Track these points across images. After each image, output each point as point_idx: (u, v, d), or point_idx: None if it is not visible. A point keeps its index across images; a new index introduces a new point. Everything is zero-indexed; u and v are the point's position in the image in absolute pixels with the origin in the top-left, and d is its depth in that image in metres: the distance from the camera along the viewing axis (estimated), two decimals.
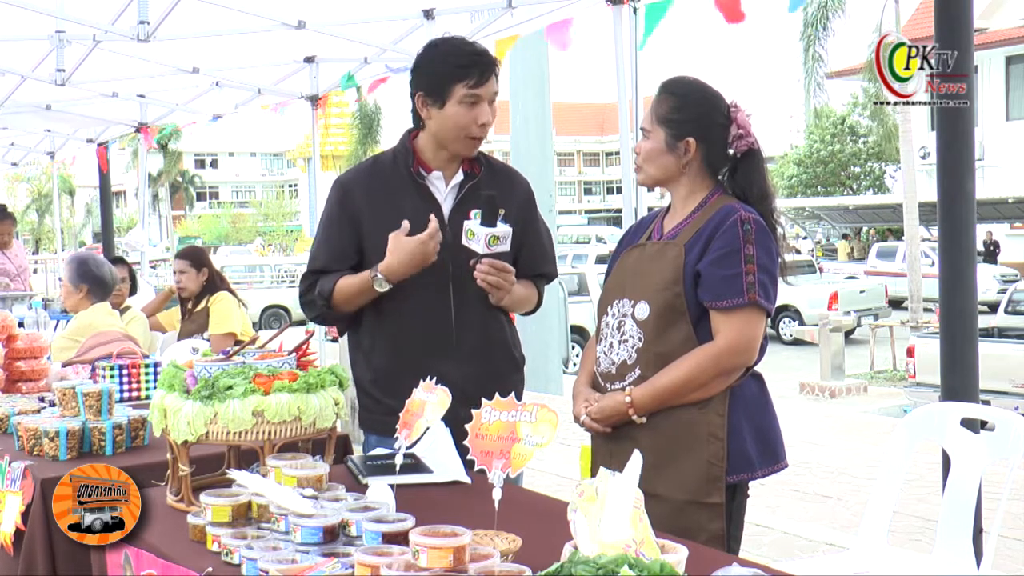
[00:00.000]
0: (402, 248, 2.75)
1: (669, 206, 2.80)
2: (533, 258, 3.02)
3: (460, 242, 2.82)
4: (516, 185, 3.06)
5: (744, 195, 2.70)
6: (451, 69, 2.81)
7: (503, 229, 2.74)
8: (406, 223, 2.76)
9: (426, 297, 2.80)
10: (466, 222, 2.76)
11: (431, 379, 2.43)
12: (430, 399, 2.38)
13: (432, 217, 2.77)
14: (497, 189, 2.94)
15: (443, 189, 2.93)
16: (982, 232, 26.97)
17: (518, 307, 3.00)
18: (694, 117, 2.68)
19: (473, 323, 2.86)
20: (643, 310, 2.63)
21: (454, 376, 2.56)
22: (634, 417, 2.61)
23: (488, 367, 2.90)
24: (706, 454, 2.55)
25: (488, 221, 2.74)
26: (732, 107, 2.70)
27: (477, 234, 2.72)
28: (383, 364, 2.88)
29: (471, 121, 2.83)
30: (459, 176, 2.94)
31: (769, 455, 2.64)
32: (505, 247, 2.76)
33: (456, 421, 2.52)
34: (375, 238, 2.88)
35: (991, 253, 27.04)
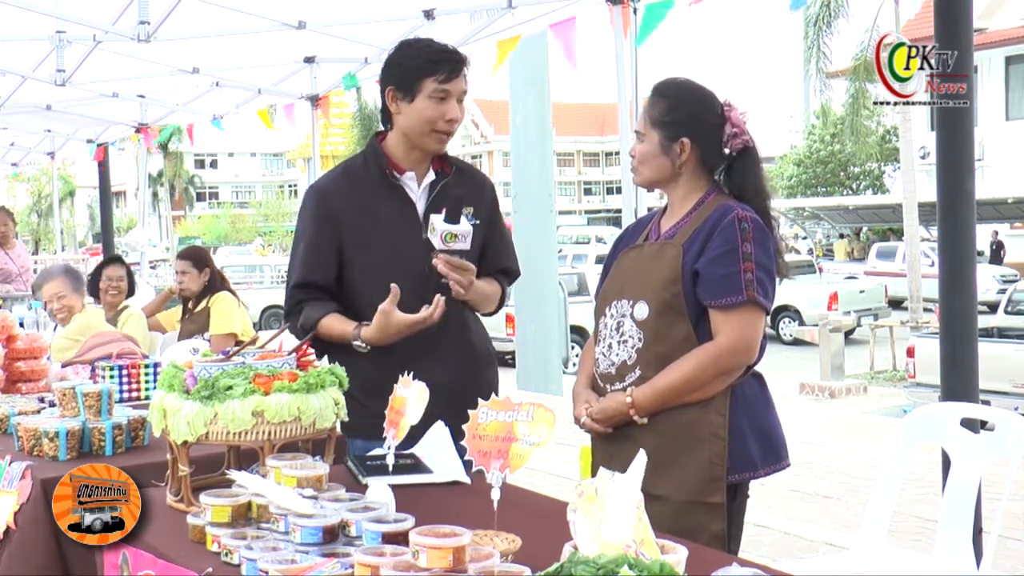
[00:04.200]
0: (391, 326, 2.77)
1: (666, 207, 2.81)
2: (497, 254, 3.08)
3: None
4: (484, 186, 3.13)
5: (740, 193, 2.70)
6: (422, 64, 2.86)
7: (462, 227, 2.77)
8: (396, 289, 2.74)
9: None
10: (433, 215, 2.81)
11: (409, 375, 2.44)
12: (410, 395, 2.39)
13: (438, 298, 2.77)
14: (467, 189, 3.01)
15: (416, 189, 2.96)
16: (987, 232, 26.96)
17: (482, 305, 3.03)
18: (687, 118, 2.68)
19: (452, 322, 2.87)
20: (642, 310, 2.63)
21: (438, 375, 2.60)
22: (635, 418, 2.61)
23: (468, 365, 2.95)
24: (707, 454, 2.55)
25: (450, 219, 2.78)
26: (725, 106, 2.70)
27: (436, 229, 2.76)
28: (366, 367, 2.85)
29: (439, 116, 2.87)
30: (430, 176, 2.98)
31: (771, 454, 2.65)
32: (463, 245, 2.77)
33: (440, 419, 2.54)
34: (354, 242, 2.92)
35: (996, 254, 26.99)
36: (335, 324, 2.88)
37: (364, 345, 2.82)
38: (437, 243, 2.76)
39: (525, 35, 6.35)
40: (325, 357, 3.00)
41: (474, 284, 2.87)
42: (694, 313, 2.59)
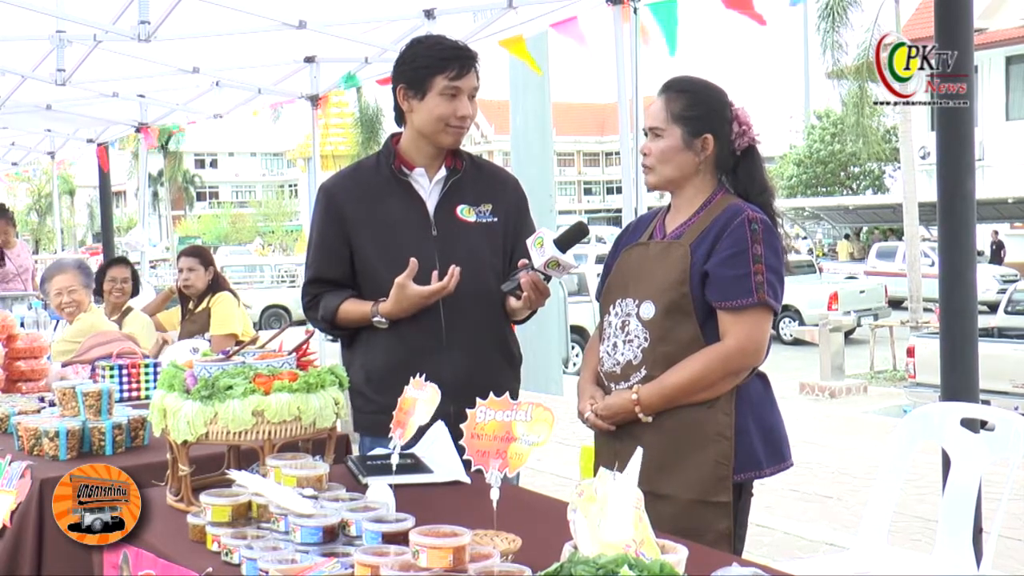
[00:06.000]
0: (406, 298, 2.80)
1: (669, 205, 2.79)
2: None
3: (447, 239, 2.88)
4: (508, 185, 3.12)
5: (746, 191, 2.69)
6: (432, 62, 2.87)
7: (569, 261, 2.67)
8: (414, 262, 2.77)
9: None
10: (544, 229, 2.73)
11: (421, 376, 2.44)
12: (421, 396, 2.39)
13: (453, 269, 2.77)
14: (484, 186, 3.00)
15: (427, 186, 2.97)
16: (987, 232, 26.94)
17: (518, 313, 3.00)
18: (709, 113, 2.67)
19: (463, 319, 2.88)
20: (648, 310, 2.62)
21: (444, 372, 2.61)
22: (640, 415, 2.60)
23: (479, 363, 2.91)
24: (713, 453, 2.55)
25: (562, 245, 2.66)
26: (730, 104, 2.70)
27: (544, 249, 2.65)
28: (374, 363, 2.91)
29: (451, 113, 2.88)
30: (442, 172, 2.98)
31: (775, 454, 2.65)
32: (558, 275, 2.72)
33: (447, 417, 2.54)
34: (363, 239, 2.93)
35: (996, 254, 26.98)
36: (353, 307, 2.92)
37: (384, 321, 2.85)
38: (537, 260, 2.67)
39: (526, 35, 6.35)
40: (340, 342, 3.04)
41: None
42: (701, 314, 2.58)
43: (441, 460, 2.55)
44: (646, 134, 2.74)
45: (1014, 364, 9.81)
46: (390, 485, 2.18)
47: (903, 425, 3.14)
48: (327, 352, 7.62)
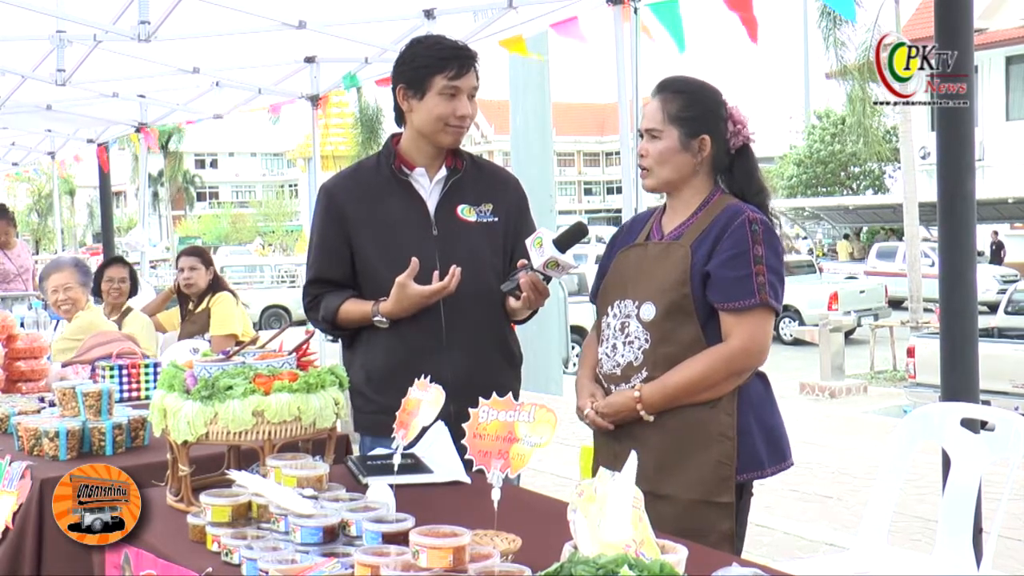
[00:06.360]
0: (406, 298, 2.80)
1: (665, 206, 2.79)
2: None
3: (448, 238, 2.88)
4: (508, 185, 3.11)
5: (743, 191, 2.69)
6: (431, 61, 2.88)
7: (569, 262, 2.66)
8: (415, 262, 2.77)
9: None
10: (543, 229, 2.72)
11: (425, 377, 2.44)
12: (425, 397, 2.39)
13: (454, 269, 2.77)
14: (485, 185, 3.00)
15: (427, 185, 2.97)
16: (987, 232, 26.93)
17: (518, 313, 3.00)
18: (705, 113, 2.66)
19: (463, 319, 2.88)
20: (649, 311, 2.62)
21: (444, 372, 2.60)
22: (642, 414, 2.60)
23: (479, 363, 2.91)
24: (716, 454, 2.55)
25: (561, 245, 2.65)
26: (725, 102, 2.70)
27: (543, 249, 2.64)
28: (374, 363, 2.91)
29: (450, 112, 2.88)
30: (442, 171, 2.98)
31: (777, 454, 2.65)
32: (557, 275, 2.71)
33: (447, 417, 2.54)
34: (364, 239, 2.94)
35: (996, 254, 26.97)
36: (354, 307, 2.92)
37: (384, 321, 2.85)
38: (536, 260, 2.66)
39: (526, 35, 6.35)
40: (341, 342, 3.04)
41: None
42: (703, 314, 2.58)
43: (441, 460, 2.55)
44: (642, 136, 2.73)
45: (1014, 364, 9.80)
46: (390, 485, 2.18)
47: (903, 425, 3.14)
48: (327, 352, 7.62)
